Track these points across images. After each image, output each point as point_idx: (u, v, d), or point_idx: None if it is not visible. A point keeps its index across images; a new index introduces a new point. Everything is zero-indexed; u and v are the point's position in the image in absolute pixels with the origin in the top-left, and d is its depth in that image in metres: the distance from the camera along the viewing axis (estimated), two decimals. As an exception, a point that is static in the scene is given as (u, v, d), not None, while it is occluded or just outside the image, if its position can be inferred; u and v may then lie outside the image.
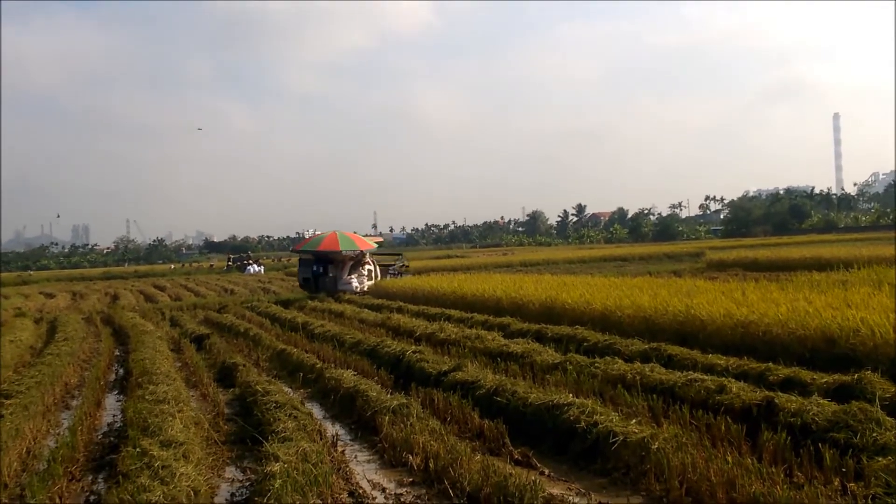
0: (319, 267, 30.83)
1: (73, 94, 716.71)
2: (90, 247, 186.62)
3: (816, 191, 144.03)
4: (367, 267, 31.73)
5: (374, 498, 6.77)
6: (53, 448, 8.49)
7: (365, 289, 30.53)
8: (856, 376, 8.11)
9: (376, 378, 11.68)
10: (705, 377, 8.91)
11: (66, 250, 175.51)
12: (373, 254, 33.06)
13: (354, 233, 33.47)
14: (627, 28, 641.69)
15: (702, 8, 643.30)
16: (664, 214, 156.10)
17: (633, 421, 7.47)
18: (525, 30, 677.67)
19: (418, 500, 6.67)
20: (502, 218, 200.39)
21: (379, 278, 32.38)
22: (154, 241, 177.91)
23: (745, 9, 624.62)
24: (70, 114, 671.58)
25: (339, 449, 8.26)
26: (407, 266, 39.42)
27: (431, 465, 7.15)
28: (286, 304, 27.50)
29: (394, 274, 35.10)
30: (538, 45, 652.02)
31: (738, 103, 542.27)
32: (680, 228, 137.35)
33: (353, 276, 30.75)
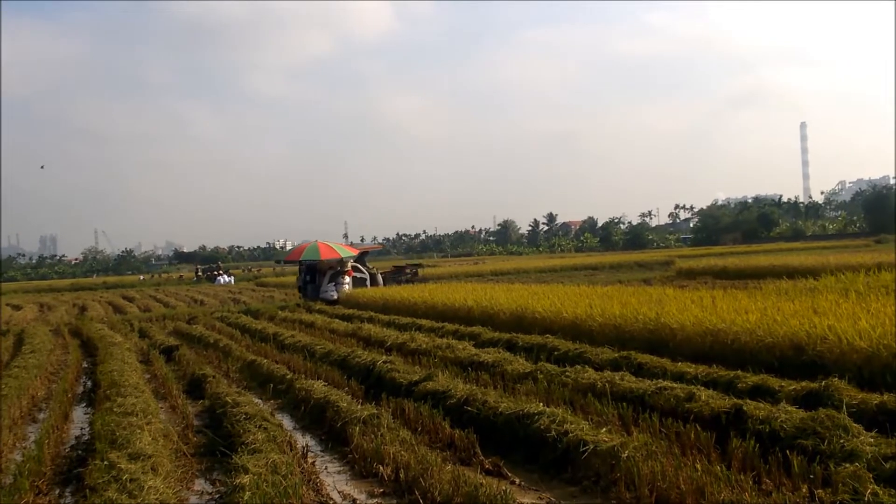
0: (307, 275, 32.36)
1: (38, 101, 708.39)
2: (58, 258, 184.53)
3: (784, 199, 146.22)
4: (354, 275, 32.23)
5: (344, 509, 6.74)
6: (20, 462, 8.34)
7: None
8: (823, 383, 8.19)
9: (347, 388, 11.63)
10: (675, 385, 8.96)
11: (34, 261, 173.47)
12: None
13: (350, 243, 34.25)
14: (593, 36, 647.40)
15: (666, 15, 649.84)
16: (634, 223, 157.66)
17: (604, 429, 7.49)
18: (490, 37, 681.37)
19: (389, 511, 6.64)
20: (473, 227, 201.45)
21: (381, 284, 32.72)
22: (123, 251, 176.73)
23: (709, 16, 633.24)
24: (34, 121, 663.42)
25: (310, 460, 8.20)
26: (416, 273, 39.82)
27: (402, 475, 7.12)
28: (256, 314, 27.40)
29: (401, 280, 35.44)
30: (504, 52, 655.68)
31: (706, 110, 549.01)
32: (650, 237, 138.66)
33: (331, 285, 30.92)
